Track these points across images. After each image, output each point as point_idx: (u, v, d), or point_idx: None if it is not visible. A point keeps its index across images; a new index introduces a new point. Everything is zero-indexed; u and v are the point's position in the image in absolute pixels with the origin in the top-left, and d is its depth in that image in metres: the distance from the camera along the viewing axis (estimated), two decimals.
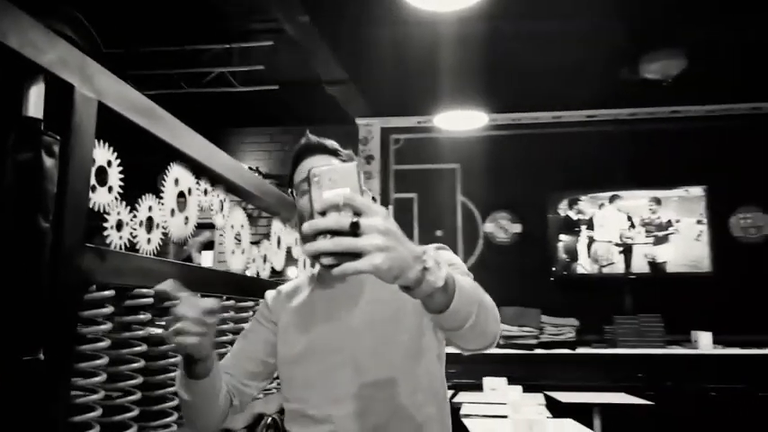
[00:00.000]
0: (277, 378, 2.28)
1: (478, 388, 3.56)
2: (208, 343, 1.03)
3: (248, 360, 1.22)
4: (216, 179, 1.78)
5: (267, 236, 2.35)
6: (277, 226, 2.41)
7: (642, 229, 4.71)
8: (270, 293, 1.29)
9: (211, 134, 1.66)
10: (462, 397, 3.45)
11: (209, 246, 5.02)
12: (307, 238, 0.69)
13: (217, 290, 1.70)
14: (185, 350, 1.01)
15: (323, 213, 0.70)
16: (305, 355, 1.13)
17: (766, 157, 4.69)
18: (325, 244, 0.68)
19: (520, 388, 3.25)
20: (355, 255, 0.68)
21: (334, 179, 0.71)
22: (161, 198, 1.46)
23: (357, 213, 0.69)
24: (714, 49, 3.98)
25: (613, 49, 3.93)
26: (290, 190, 1.27)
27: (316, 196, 0.71)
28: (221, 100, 4.69)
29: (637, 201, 4.78)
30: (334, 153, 1.23)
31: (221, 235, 1.91)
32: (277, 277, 2.39)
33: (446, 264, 0.78)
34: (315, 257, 0.69)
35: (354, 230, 0.68)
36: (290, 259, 2.58)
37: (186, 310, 0.98)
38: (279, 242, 2.41)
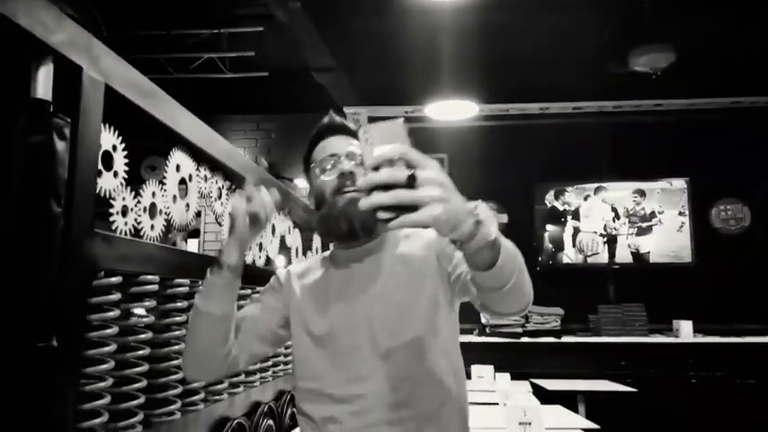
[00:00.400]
0: (273, 366, 2.28)
1: (466, 376, 3.59)
2: (254, 233, 1.09)
3: (258, 323, 1.20)
4: (215, 165, 1.76)
5: None
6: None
7: (626, 220, 4.78)
8: (281, 272, 1.27)
9: None
10: None
11: (194, 234, 4.96)
12: (360, 194, 0.69)
13: None
14: (247, 214, 1.07)
15: (376, 169, 0.69)
16: (322, 335, 1.12)
17: (746, 150, 4.79)
18: (383, 197, 0.68)
19: (508, 375, 3.29)
20: (412, 208, 0.67)
21: (385, 135, 0.71)
22: (164, 184, 1.44)
23: (410, 167, 0.69)
24: (699, 43, 4.04)
25: (602, 42, 3.98)
26: (311, 165, 1.23)
27: (367, 152, 0.71)
28: (208, 86, 4.62)
29: (621, 192, 4.85)
30: (354, 135, 1.22)
31: (219, 223, 1.89)
32: (269, 266, 2.37)
33: (495, 219, 0.78)
34: (372, 212, 0.68)
35: (411, 183, 0.68)
36: (284, 248, 2.56)
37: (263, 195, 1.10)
38: (273, 230, 2.39)
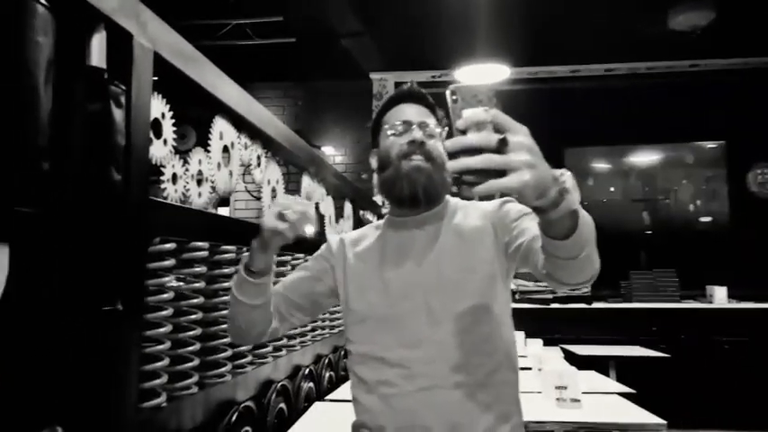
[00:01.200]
0: (312, 331, 2.32)
1: None
2: (283, 240, 1.06)
3: (300, 293, 1.22)
4: (255, 133, 1.76)
5: (298, 191, 2.34)
6: (306, 181, 2.40)
7: (660, 183, 4.69)
8: (333, 238, 1.28)
9: None
10: None
11: (224, 202, 5.02)
12: (450, 156, 0.67)
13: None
14: (274, 232, 1.03)
15: (464, 132, 0.67)
16: (377, 300, 1.13)
17: None
18: (474, 161, 0.65)
19: (540, 341, 3.30)
20: (499, 173, 0.66)
21: (478, 96, 0.69)
22: (209, 152, 1.45)
23: (498, 131, 0.67)
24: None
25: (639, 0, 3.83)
26: (384, 127, 1.20)
27: (456, 113, 0.68)
28: (234, 53, 4.59)
29: (654, 155, 4.74)
30: (432, 109, 1.21)
31: (249, 192, 1.90)
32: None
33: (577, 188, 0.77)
34: (457, 176, 0.67)
35: (501, 148, 0.66)
36: (318, 216, 2.57)
37: (291, 202, 1.05)
38: (309, 198, 2.40)
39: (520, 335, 3.56)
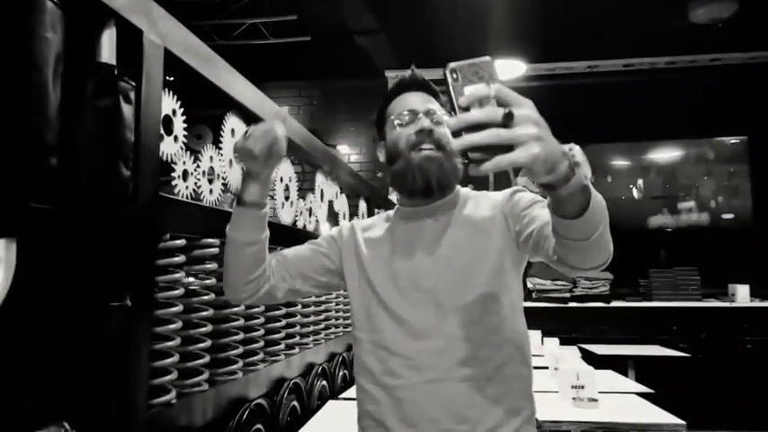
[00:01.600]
0: (326, 329, 2.32)
1: None
2: (267, 167, 1.05)
3: (307, 263, 1.21)
4: None
5: (312, 190, 2.34)
6: (320, 179, 2.40)
7: (680, 180, 4.61)
8: (345, 224, 1.27)
9: None
10: None
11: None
12: (453, 135, 0.65)
13: (273, 242, 1.70)
14: (249, 159, 1.03)
15: (466, 109, 0.65)
16: (385, 289, 1.12)
17: None
18: (480, 137, 0.63)
19: (557, 340, 3.26)
20: (506, 148, 0.64)
21: (479, 73, 0.67)
22: (220, 149, 1.45)
23: (501, 105, 0.65)
24: None
25: None
26: (390, 118, 1.18)
27: (458, 91, 0.67)
28: (249, 53, 4.61)
29: (674, 151, 4.66)
30: (435, 95, 1.19)
31: (272, 189, 1.90)
32: (317, 231, 2.38)
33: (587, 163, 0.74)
34: (464, 153, 0.65)
35: (506, 122, 0.64)
36: (331, 214, 2.56)
37: (262, 127, 1.01)
38: (322, 196, 2.40)
39: (536, 334, 3.52)
